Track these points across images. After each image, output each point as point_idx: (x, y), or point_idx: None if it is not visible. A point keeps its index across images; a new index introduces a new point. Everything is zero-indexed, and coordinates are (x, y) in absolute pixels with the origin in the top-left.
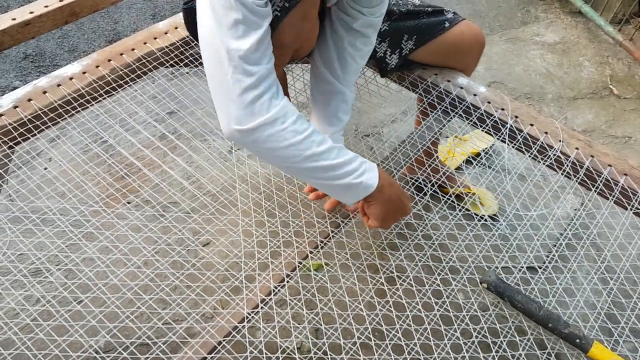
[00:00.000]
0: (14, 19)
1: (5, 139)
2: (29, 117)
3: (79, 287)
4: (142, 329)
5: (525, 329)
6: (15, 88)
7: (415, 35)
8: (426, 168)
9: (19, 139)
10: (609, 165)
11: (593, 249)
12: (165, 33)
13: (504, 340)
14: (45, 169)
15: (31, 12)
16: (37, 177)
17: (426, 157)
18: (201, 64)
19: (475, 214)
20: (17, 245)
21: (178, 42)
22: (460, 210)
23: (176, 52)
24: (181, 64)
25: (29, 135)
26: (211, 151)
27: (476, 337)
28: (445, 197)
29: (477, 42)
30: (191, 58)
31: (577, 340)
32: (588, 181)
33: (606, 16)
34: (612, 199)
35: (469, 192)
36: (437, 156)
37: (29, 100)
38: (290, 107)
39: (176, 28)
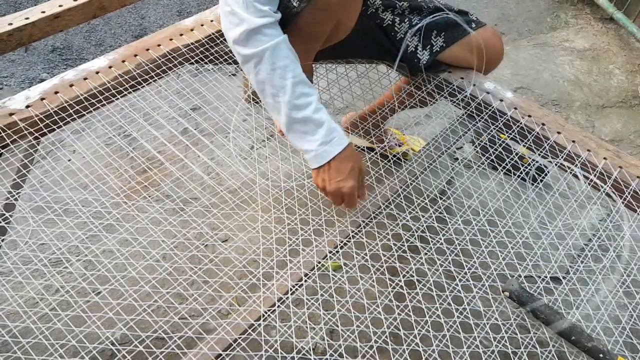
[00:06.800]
0: (44, 12)
1: (32, 130)
2: (55, 109)
3: (97, 278)
4: (158, 323)
5: (547, 341)
6: (42, 80)
7: (444, 32)
8: (368, 123)
9: (45, 130)
10: (638, 177)
11: (619, 262)
12: (191, 30)
13: (525, 351)
14: (69, 160)
15: (60, 6)
16: (60, 168)
17: (370, 113)
18: (226, 60)
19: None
20: (38, 235)
21: (203, 39)
22: (484, 216)
23: (201, 49)
24: (206, 61)
25: (54, 127)
26: (233, 147)
27: (496, 346)
28: (391, 156)
29: (500, 51)
30: (216, 55)
31: (601, 355)
32: (615, 192)
33: (639, 23)
34: None
35: (406, 147)
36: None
37: (56, 92)
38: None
39: (202, 25)
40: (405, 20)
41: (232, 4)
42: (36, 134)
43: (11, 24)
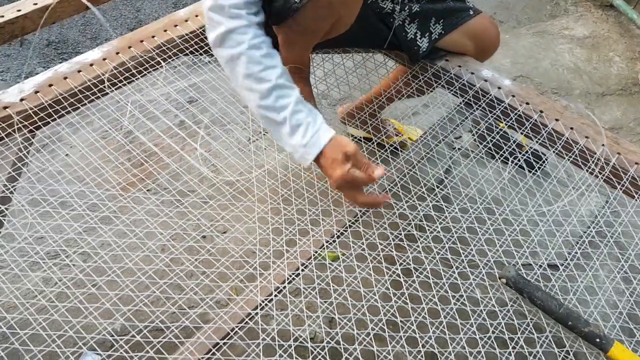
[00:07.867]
0: (36, 4)
1: (26, 123)
2: (50, 102)
3: (95, 270)
4: (156, 314)
5: (544, 326)
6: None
7: (443, 19)
8: (365, 114)
9: (40, 124)
10: (636, 163)
11: (617, 248)
12: (186, 20)
13: (522, 337)
14: (67, 155)
15: None
16: (56, 161)
17: (366, 102)
18: None
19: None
20: (35, 228)
21: (198, 29)
22: (482, 204)
23: (196, 40)
24: (201, 52)
25: (49, 120)
26: (230, 140)
27: (493, 332)
28: (388, 146)
29: (496, 37)
30: None
31: (597, 340)
32: (614, 179)
33: (639, 10)
34: (638, 198)
35: (404, 136)
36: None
37: (50, 85)
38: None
39: (197, 16)
40: (406, 9)
41: (206, 8)
42: (31, 127)
43: (2, 16)
